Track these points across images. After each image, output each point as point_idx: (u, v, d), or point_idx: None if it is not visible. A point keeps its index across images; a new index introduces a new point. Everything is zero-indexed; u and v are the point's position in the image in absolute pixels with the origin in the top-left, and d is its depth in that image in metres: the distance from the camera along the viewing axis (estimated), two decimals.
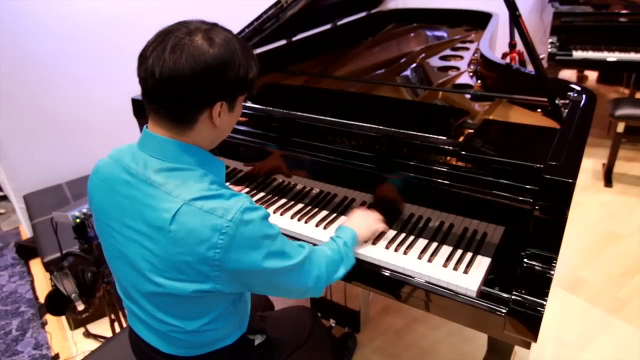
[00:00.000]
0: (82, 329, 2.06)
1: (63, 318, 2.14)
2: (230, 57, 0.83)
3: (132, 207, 0.87)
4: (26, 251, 2.59)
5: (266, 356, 1.12)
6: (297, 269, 0.94)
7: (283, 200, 1.43)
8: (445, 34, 2.57)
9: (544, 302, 0.96)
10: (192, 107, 0.84)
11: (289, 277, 0.94)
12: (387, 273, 1.14)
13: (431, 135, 1.20)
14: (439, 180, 1.12)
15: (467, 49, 2.20)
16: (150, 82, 0.81)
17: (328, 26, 2.43)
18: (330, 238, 1.13)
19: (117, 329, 1.81)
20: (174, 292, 0.86)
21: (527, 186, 1.02)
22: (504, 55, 2.97)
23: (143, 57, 0.82)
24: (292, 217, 1.34)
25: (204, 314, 0.92)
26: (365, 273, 1.17)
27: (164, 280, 0.86)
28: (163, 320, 0.93)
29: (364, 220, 1.19)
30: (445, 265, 1.11)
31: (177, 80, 0.79)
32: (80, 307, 1.51)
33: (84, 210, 1.52)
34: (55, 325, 2.13)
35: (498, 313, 0.99)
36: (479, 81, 1.73)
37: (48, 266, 2.02)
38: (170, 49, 0.79)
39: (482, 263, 1.10)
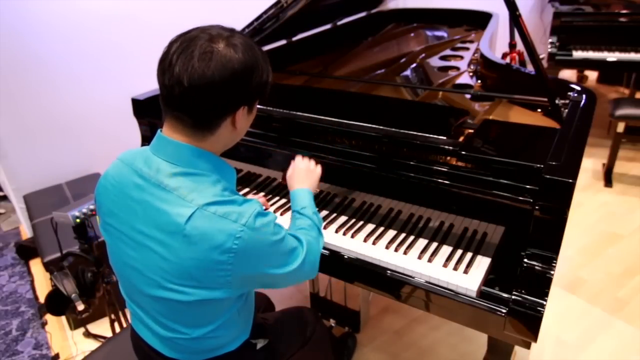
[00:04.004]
0: (82, 329, 2.06)
1: (63, 318, 2.14)
2: (255, 62, 0.85)
3: (144, 211, 0.86)
4: (26, 251, 2.59)
5: (269, 359, 1.12)
6: (300, 266, 0.96)
7: (283, 201, 1.43)
8: (445, 34, 2.57)
9: (544, 302, 0.96)
10: (219, 114, 0.85)
11: (296, 274, 0.95)
12: (387, 273, 1.14)
13: (431, 135, 1.20)
14: (439, 180, 1.12)
15: (467, 49, 2.20)
16: (177, 90, 0.80)
17: (328, 26, 2.43)
18: (297, 212, 1.10)
19: (117, 329, 1.81)
20: (182, 299, 0.86)
21: (527, 186, 1.02)
22: (504, 55, 2.97)
23: (167, 65, 0.81)
24: None
25: (210, 322, 0.92)
26: (365, 273, 1.17)
27: (174, 286, 0.85)
28: (168, 326, 0.93)
29: (307, 175, 1.19)
30: (445, 265, 1.11)
31: (206, 88, 0.80)
32: (80, 307, 1.51)
33: (84, 210, 1.52)
34: (55, 325, 2.13)
35: (498, 313, 0.99)
36: (479, 81, 1.73)
37: (48, 266, 2.02)
38: (197, 56, 0.79)
39: (482, 263, 1.10)
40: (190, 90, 0.80)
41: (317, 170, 1.23)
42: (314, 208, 1.11)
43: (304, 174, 1.20)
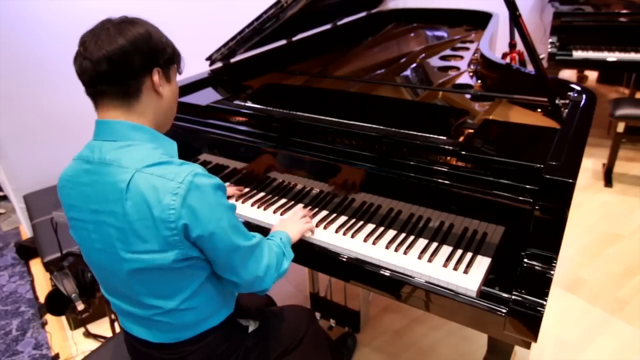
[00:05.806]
0: (82, 329, 2.06)
1: (63, 318, 2.14)
2: (151, 29, 0.95)
3: (94, 191, 0.91)
4: (26, 251, 2.59)
5: (260, 345, 1.13)
6: (249, 252, 0.98)
7: (283, 200, 1.43)
8: (445, 34, 2.57)
9: (544, 302, 0.96)
10: (134, 75, 0.91)
11: (241, 256, 0.97)
12: (387, 273, 1.14)
13: (431, 135, 1.20)
14: (439, 180, 1.12)
15: (467, 49, 2.20)
16: (90, 68, 0.87)
17: (328, 26, 2.43)
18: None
19: (117, 329, 1.81)
20: (143, 267, 0.89)
21: (527, 186, 1.02)
22: (504, 55, 2.98)
23: (82, 55, 0.89)
24: None
25: (179, 291, 0.95)
26: (365, 273, 1.17)
27: (131, 255, 0.89)
28: (142, 302, 0.96)
29: (292, 224, 1.23)
30: (445, 265, 1.11)
31: (113, 55, 0.87)
32: (80, 307, 1.51)
33: None
34: (55, 325, 2.13)
35: (498, 313, 0.99)
36: (479, 81, 1.73)
37: (48, 266, 2.02)
38: (101, 35, 0.89)
39: (482, 263, 1.10)
40: (101, 62, 0.87)
41: (305, 223, 1.25)
42: (284, 240, 1.15)
43: (291, 220, 1.25)
